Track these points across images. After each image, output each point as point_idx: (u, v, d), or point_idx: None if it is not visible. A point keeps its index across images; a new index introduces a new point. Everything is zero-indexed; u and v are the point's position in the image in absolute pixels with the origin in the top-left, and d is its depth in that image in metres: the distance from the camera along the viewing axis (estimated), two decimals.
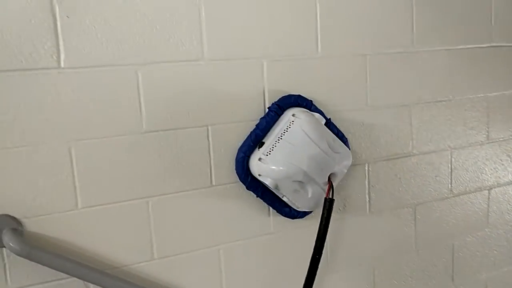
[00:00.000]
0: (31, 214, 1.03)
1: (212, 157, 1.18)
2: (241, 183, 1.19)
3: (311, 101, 1.24)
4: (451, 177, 1.54)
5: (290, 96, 1.21)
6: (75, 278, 1.05)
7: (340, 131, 1.29)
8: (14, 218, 1.02)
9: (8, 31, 0.97)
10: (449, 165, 1.53)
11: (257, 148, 1.16)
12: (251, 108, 1.20)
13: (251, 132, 1.18)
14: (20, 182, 1.02)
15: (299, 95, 1.23)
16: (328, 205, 1.17)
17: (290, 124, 1.15)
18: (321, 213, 1.18)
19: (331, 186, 1.17)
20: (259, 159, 1.14)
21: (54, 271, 1.03)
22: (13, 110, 0.99)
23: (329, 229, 1.18)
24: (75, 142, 1.05)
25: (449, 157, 1.53)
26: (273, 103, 1.19)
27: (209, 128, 1.16)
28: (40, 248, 1.01)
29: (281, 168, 1.12)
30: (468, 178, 1.57)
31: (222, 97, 1.17)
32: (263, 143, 1.16)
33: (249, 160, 1.17)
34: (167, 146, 1.13)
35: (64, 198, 1.05)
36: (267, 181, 1.13)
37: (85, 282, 1.07)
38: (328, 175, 1.18)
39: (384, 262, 1.47)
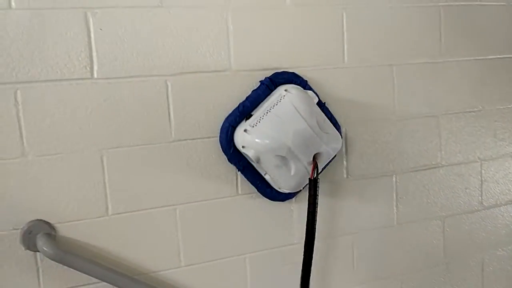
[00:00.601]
0: (64, 219, 1.07)
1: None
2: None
3: (306, 80, 1.21)
4: (481, 189, 1.51)
5: (284, 72, 1.19)
6: (105, 283, 1.07)
7: (334, 117, 1.25)
8: (48, 223, 1.06)
9: (45, 43, 1.01)
10: (479, 177, 1.51)
11: (244, 120, 1.14)
12: None
13: (239, 104, 1.15)
14: (54, 188, 1.05)
15: (294, 73, 1.20)
16: (314, 185, 1.13)
17: (281, 98, 1.12)
18: (307, 195, 1.16)
19: (315, 166, 1.13)
20: (245, 130, 1.11)
21: (85, 275, 1.06)
22: (48, 119, 1.03)
23: (356, 242, 1.18)
24: (107, 151, 1.08)
25: (479, 169, 1.50)
26: (266, 77, 1.17)
27: None
28: (73, 253, 1.04)
29: (265, 141, 1.09)
30: (498, 191, 1.54)
31: None
32: (251, 115, 1.13)
33: (235, 132, 1.14)
34: (195, 155, 1.15)
35: (96, 204, 1.08)
36: (250, 153, 1.10)
37: (115, 287, 1.09)
38: (313, 154, 1.13)
39: (412, 275, 1.45)
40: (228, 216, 1.21)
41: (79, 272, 1.05)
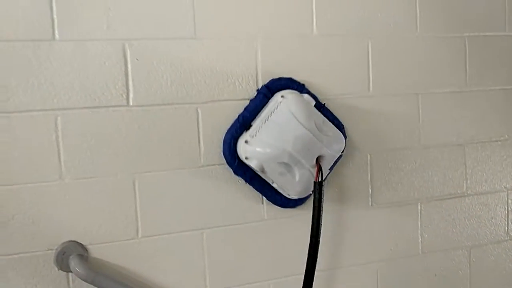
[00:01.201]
0: (96, 241, 1.10)
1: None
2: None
3: (303, 84, 1.21)
4: (507, 219, 1.50)
5: (280, 79, 1.19)
6: None
7: (336, 117, 1.24)
8: (80, 245, 1.10)
9: (84, 72, 1.06)
10: (506, 207, 1.50)
11: (245, 131, 1.14)
12: None
13: (239, 115, 1.16)
14: (88, 210, 1.09)
15: (290, 78, 1.20)
16: (318, 188, 1.12)
17: (278, 105, 1.12)
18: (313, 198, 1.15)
19: (319, 169, 1.13)
20: (245, 141, 1.11)
21: None
22: (86, 144, 1.08)
23: (380, 271, 1.18)
24: (139, 175, 1.12)
25: (506, 199, 1.49)
26: (262, 86, 1.17)
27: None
28: (104, 274, 1.08)
29: (266, 149, 1.10)
30: None
31: None
32: (251, 125, 1.14)
33: (237, 143, 1.14)
34: (223, 180, 1.18)
35: (127, 227, 1.12)
36: (253, 163, 1.11)
37: None
38: (315, 157, 1.13)
39: None
40: (255, 241, 1.22)
41: None
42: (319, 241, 1.13)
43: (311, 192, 1.19)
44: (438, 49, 1.37)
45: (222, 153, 1.16)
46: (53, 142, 1.06)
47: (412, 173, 1.37)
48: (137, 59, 1.10)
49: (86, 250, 1.10)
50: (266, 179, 1.17)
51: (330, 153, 1.15)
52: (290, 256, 1.26)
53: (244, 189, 1.20)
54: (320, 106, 1.21)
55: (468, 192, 1.44)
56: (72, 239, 1.09)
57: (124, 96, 1.09)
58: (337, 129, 1.20)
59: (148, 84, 1.11)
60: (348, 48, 1.28)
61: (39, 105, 1.04)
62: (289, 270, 1.26)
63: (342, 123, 1.25)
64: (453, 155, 1.41)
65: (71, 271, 1.07)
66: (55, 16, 1.04)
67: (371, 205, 1.33)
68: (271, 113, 1.12)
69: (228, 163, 1.16)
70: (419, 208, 1.39)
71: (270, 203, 1.22)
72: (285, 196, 1.20)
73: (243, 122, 1.15)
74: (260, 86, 1.19)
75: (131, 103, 1.10)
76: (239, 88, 1.18)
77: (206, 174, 1.18)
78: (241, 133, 1.14)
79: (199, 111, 1.16)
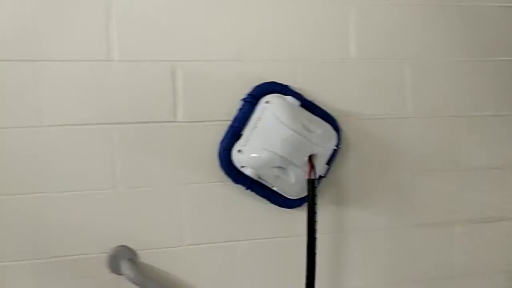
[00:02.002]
0: (145, 247, 1.18)
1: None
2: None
3: (286, 86, 1.22)
4: None
5: (264, 84, 1.20)
6: None
7: (326, 112, 1.25)
8: (131, 250, 1.18)
9: (137, 90, 1.16)
10: None
11: (236, 141, 1.17)
12: None
13: (229, 126, 1.19)
14: (138, 218, 1.18)
15: (273, 82, 1.21)
16: (311, 185, 1.13)
17: (264, 111, 1.15)
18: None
19: (312, 167, 1.15)
20: (238, 150, 1.15)
21: None
22: (137, 156, 1.17)
23: None
24: (186, 186, 1.19)
25: None
26: (247, 94, 1.20)
27: None
28: (152, 278, 1.15)
29: (258, 156, 1.13)
30: None
31: None
32: (241, 134, 1.17)
33: (231, 154, 1.17)
34: (255, 198, 1.24)
35: (173, 235, 1.20)
36: (248, 171, 1.14)
37: None
38: (307, 156, 1.15)
39: None
40: (288, 256, 1.27)
41: None
42: (316, 238, 1.14)
43: None
44: (479, 72, 1.38)
45: (219, 165, 1.20)
46: (109, 153, 1.15)
47: (449, 195, 1.37)
48: (186, 79, 1.18)
49: (136, 255, 1.18)
50: (266, 184, 1.19)
51: (321, 149, 1.17)
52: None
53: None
54: (308, 104, 1.22)
55: (509, 216, 1.43)
56: (124, 244, 1.17)
57: (172, 112, 1.18)
58: (327, 124, 1.22)
59: (195, 102, 1.20)
60: (386, 71, 1.31)
61: (96, 119, 1.14)
62: None
63: (333, 117, 1.26)
64: (492, 178, 1.41)
65: (122, 274, 1.14)
66: (113, 39, 1.14)
67: (406, 226, 1.35)
68: (258, 120, 1.16)
69: (226, 173, 1.19)
70: (455, 230, 1.39)
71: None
72: (288, 198, 1.22)
73: (233, 133, 1.18)
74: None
75: (178, 119, 1.18)
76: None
77: (240, 190, 1.23)
78: (233, 144, 1.18)
79: None
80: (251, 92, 1.20)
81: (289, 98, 1.18)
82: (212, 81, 1.20)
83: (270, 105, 1.16)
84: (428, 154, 1.36)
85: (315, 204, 1.14)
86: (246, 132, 1.18)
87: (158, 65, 1.17)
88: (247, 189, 1.21)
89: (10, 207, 1.11)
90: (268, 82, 1.22)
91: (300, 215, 1.24)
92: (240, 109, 1.20)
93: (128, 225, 1.17)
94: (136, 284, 1.12)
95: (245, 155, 1.15)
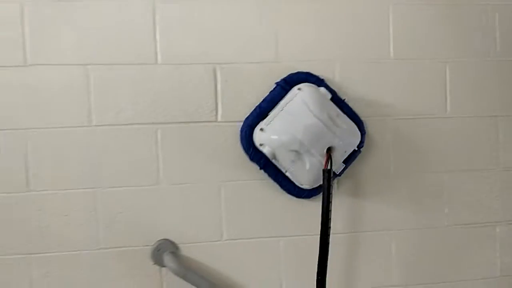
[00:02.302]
0: (186, 240, 1.24)
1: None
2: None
3: (322, 79, 1.25)
4: None
5: (299, 73, 1.24)
6: None
7: (355, 113, 1.27)
8: (173, 243, 1.24)
9: (181, 91, 1.22)
10: None
11: (261, 121, 1.20)
12: None
13: (256, 106, 1.22)
14: (180, 213, 1.24)
15: (309, 72, 1.24)
16: (327, 175, 1.14)
17: (294, 96, 1.18)
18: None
19: (329, 158, 1.16)
20: (261, 129, 1.18)
21: None
22: (181, 154, 1.23)
23: None
24: (225, 183, 1.24)
25: None
26: (281, 79, 1.23)
27: None
28: (193, 270, 1.20)
29: (278, 137, 1.15)
30: None
31: None
32: (268, 115, 1.20)
33: (253, 132, 1.21)
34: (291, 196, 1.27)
35: (213, 230, 1.25)
36: (266, 150, 1.17)
37: None
38: (326, 147, 1.17)
39: None
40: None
41: None
42: (329, 228, 1.15)
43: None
44: None
45: (239, 141, 1.23)
46: (153, 151, 1.22)
47: (490, 195, 1.36)
48: (226, 81, 1.23)
49: (178, 248, 1.24)
50: (280, 168, 1.22)
51: (342, 145, 1.18)
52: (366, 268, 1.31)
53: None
54: (339, 101, 1.25)
55: None
56: (166, 237, 1.23)
57: (214, 112, 1.23)
58: (353, 123, 1.23)
59: (234, 103, 1.24)
60: (424, 71, 1.32)
61: (143, 119, 1.21)
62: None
63: (362, 119, 1.28)
64: None
65: (164, 266, 1.21)
66: (157, 43, 1.21)
67: (448, 225, 1.35)
68: (286, 103, 1.19)
69: (244, 149, 1.23)
70: (497, 230, 1.38)
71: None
72: (298, 186, 1.24)
73: (260, 112, 1.21)
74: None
75: (219, 119, 1.24)
76: None
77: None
78: (257, 123, 1.21)
79: None
80: (285, 77, 1.24)
81: (322, 89, 1.21)
82: (251, 82, 1.25)
83: (302, 91, 1.19)
84: (467, 153, 1.35)
85: (330, 195, 1.14)
86: (272, 113, 1.21)
87: (199, 67, 1.22)
88: (261, 169, 1.23)
89: (63, 201, 1.20)
90: (304, 72, 1.25)
91: (334, 213, 1.27)
92: (271, 92, 1.23)
93: (171, 220, 1.24)
94: (178, 275, 1.18)
95: (266, 134, 1.18)
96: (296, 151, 1.16)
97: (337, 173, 1.25)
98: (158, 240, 1.23)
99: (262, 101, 1.23)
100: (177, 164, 1.23)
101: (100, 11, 1.19)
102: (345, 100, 1.27)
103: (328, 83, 1.26)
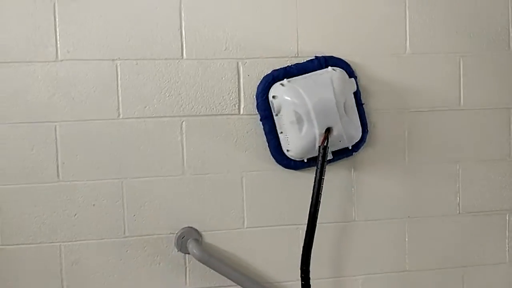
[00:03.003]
0: (209, 228, 1.29)
1: (355, 203, 1.35)
2: None
3: (354, 71, 1.30)
4: None
5: (338, 59, 1.29)
6: (239, 287, 1.26)
7: (367, 119, 1.32)
8: (196, 231, 1.29)
9: (205, 85, 1.26)
10: None
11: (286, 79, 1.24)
12: None
13: (286, 66, 1.27)
14: (204, 202, 1.29)
15: (346, 62, 1.30)
16: (322, 152, 1.18)
17: (325, 72, 1.24)
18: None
19: (326, 137, 1.20)
20: (281, 84, 1.23)
21: (223, 277, 1.26)
22: (205, 146, 1.28)
23: (466, 276, 1.25)
24: (246, 173, 1.29)
25: None
26: (322, 55, 1.28)
27: None
28: (216, 257, 1.25)
29: (292, 95, 1.20)
30: None
31: None
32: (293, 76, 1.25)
33: (273, 85, 1.25)
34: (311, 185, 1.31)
35: (234, 218, 1.30)
36: (275, 101, 1.21)
37: None
38: (327, 126, 1.21)
39: None
40: (347, 240, 1.35)
41: (219, 274, 1.25)
42: (320, 201, 1.19)
43: (308, 157, 1.27)
44: None
45: (255, 91, 1.27)
46: (178, 143, 1.26)
47: (501, 183, 1.41)
48: (248, 75, 1.27)
49: (201, 235, 1.29)
50: (277, 127, 1.25)
51: (341, 132, 1.22)
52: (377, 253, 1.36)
53: (338, 192, 1.33)
54: (358, 102, 1.29)
55: None
56: (190, 225, 1.28)
57: (236, 106, 1.28)
58: (359, 123, 1.28)
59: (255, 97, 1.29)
60: (439, 65, 1.36)
61: (168, 112, 1.26)
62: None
63: (369, 128, 1.33)
64: None
65: (188, 253, 1.26)
66: (183, 39, 1.25)
67: (459, 213, 1.40)
68: (315, 73, 1.24)
69: (256, 95, 1.27)
70: (507, 218, 1.42)
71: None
72: (284, 155, 1.28)
73: (288, 72, 1.26)
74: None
75: (241, 112, 1.28)
76: None
77: (306, 176, 1.32)
78: (282, 79, 1.25)
79: None
80: (326, 56, 1.28)
81: (352, 80, 1.27)
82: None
83: (334, 71, 1.24)
84: (479, 143, 1.40)
85: (323, 171, 1.18)
86: (299, 76, 1.25)
87: (223, 62, 1.26)
88: (261, 120, 1.26)
89: (91, 191, 1.25)
90: (343, 60, 1.30)
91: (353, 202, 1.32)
92: (308, 61, 1.28)
93: (194, 209, 1.29)
94: (201, 262, 1.23)
95: (284, 89, 1.22)
96: (300, 115, 1.20)
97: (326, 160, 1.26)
98: (182, 228, 1.28)
99: (294, 64, 1.27)
100: (200, 155, 1.28)
101: (127, 6, 1.23)
102: (364, 105, 1.31)
103: (357, 80, 1.30)
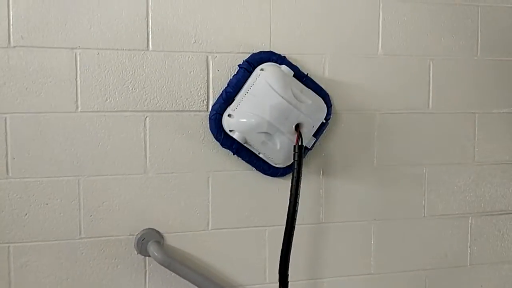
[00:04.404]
0: (171, 230, 1.23)
1: (323, 203, 1.32)
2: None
3: (284, 56, 1.25)
4: None
5: (261, 52, 1.23)
6: None
7: (320, 86, 1.27)
8: (158, 232, 1.23)
9: (172, 80, 1.20)
10: None
11: (228, 106, 1.20)
12: None
13: (222, 91, 1.21)
14: (166, 202, 1.23)
15: (270, 51, 1.24)
16: (298, 151, 1.15)
17: (257, 78, 1.18)
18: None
19: (299, 135, 1.17)
20: (228, 115, 1.18)
21: (184, 281, 1.21)
22: (169, 143, 1.21)
23: (429, 278, 1.23)
24: (212, 173, 1.24)
25: None
26: (243, 61, 1.22)
27: None
28: (178, 260, 1.20)
29: (246, 120, 1.16)
30: None
31: None
32: (234, 100, 1.20)
33: (222, 118, 1.20)
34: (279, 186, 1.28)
35: (199, 219, 1.24)
36: (236, 135, 1.17)
37: None
38: (294, 125, 1.18)
39: None
40: (314, 241, 1.32)
41: (181, 278, 1.20)
42: (298, 202, 1.15)
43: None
44: (496, 71, 1.42)
45: (209, 129, 1.22)
46: (141, 140, 1.19)
47: (464, 188, 1.43)
48: (218, 70, 1.22)
49: (163, 237, 1.23)
50: (253, 150, 1.22)
51: (309, 120, 1.19)
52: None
53: (303, 199, 1.30)
54: (302, 76, 1.25)
55: None
56: (151, 227, 1.22)
57: (205, 102, 1.22)
58: (318, 97, 1.24)
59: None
60: (409, 67, 1.36)
61: (131, 106, 1.18)
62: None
63: (326, 91, 1.28)
64: (506, 173, 1.46)
65: (149, 255, 1.20)
66: (150, 29, 1.18)
67: (424, 216, 1.40)
68: (250, 86, 1.18)
69: (215, 137, 1.22)
70: (469, 221, 1.44)
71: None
72: (273, 166, 1.25)
73: (227, 98, 1.20)
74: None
75: (210, 109, 1.22)
76: None
77: (274, 179, 1.28)
78: (225, 108, 1.20)
79: None
80: (247, 59, 1.23)
81: (284, 67, 1.21)
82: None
83: (264, 72, 1.18)
84: (446, 147, 1.41)
85: (301, 170, 1.15)
86: (238, 97, 1.20)
87: (192, 56, 1.20)
88: (234, 154, 1.23)
89: (44, 189, 1.16)
90: (266, 51, 1.25)
91: (320, 204, 1.28)
92: (235, 75, 1.23)
93: (156, 209, 1.22)
94: (163, 265, 1.18)
95: (235, 119, 1.17)
96: (266, 133, 1.17)
97: (309, 147, 1.26)
98: (143, 230, 1.22)
99: (227, 86, 1.21)
100: (164, 153, 1.22)
101: None
102: (308, 75, 1.26)
103: (289, 59, 1.25)
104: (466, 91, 1.40)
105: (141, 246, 1.21)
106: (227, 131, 1.20)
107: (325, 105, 1.25)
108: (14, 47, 1.12)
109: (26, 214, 1.16)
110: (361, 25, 1.31)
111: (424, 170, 1.39)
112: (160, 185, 1.21)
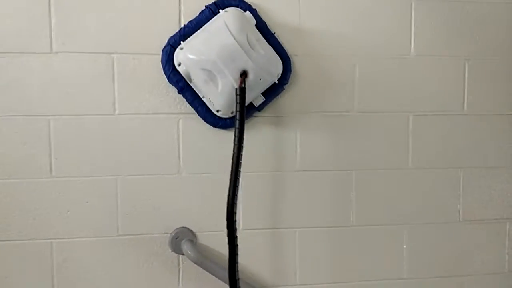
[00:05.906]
0: (204, 229, 1.26)
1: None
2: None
3: (249, 4, 1.22)
4: None
5: None
6: None
7: (284, 48, 1.24)
8: (191, 231, 1.26)
9: None
10: None
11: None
12: None
13: (181, 27, 1.19)
14: (199, 202, 1.26)
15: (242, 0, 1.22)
16: (240, 93, 1.11)
17: (217, 17, 1.17)
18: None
19: (243, 80, 1.13)
20: (181, 48, 1.16)
21: (215, 279, 1.23)
22: (202, 144, 1.25)
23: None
24: (244, 174, 1.26)
25: None
26: (212, 2, 1.21)
27: None
28: (210, 259, 1.23)
29: (193, 55, 1.13)
30: None
31: None
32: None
33: (175, 52, 1.18)
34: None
35: None
36: (180, 69, 1.15)
37: None
38: (240, 70, 1.13)
39: None
40: (345, 244, 1.32)
41: (213, 276, 1.22)
42: (241, 154, 1.12)
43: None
44: None
45: (160, 61, 1.21)
46: (175, 141, 1.24)
47: (501, 191, 1.39)
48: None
49: (195, 236, 1.26)
50: (197, 92, 1.19)
51: (257, 70, 1.15)
52: None
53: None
54: (268, 33, 1.22)
55: None
56: (185, 225, 1.25)
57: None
58: (275, 53, 1.21)
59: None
60: (444, 68, 1.33)
61: (165, 109, 1.23)
62: None
63: (289, 55, 1.26)
64: None
65: (182, 254, 1.23)
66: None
67: (459, 220, 1.37)
68: (209, 23, 1.17)
69: (163, 71, 1.20)
70: (507, 227, 1.40)
71: None
72: (215, 115, 1.22)
73: (184, 33, 1.18)
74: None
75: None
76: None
77: (300, 176, 1.29)
78: (180, 43, 1.18)
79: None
80: (216, 1, 1.21)
81: (247, 13, 1.18)
82: None
83: (226, 13, 1.16)
84: (479, 150, 1.37)
85: (243, 114, 1.11)
86: (194, 34, 1.18)
87: None
88: (179, 92, 1.21)
89: (84, 188, 1.22)
90: None
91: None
92: (200, 14, 1.21)
93: (190, 208, 1.26)
94: (196, 263, 1.21)
95: (184, 53, 1.15)
96: (209, 71, 1.14)
97: (256, 106, 1.23)
98: (177, 228, 1.25)
99: (188, 22, 1.20)
100: (197, 154, 1.25)
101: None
102: (275, 34, 1.24)
103: (259, 14, 1.23)
104: (502, 92, 1.37)
105: (175, 244, 1.24)
106: (176, 65, 1.17)
107: (280, 63, 1.21)
108: (56, 53, 1.18)
109: (67, 212, 1.21)
110: (393, 26, 1.30)
111: (460, 173, 1.36)
112: (193, 186, 1.25)
